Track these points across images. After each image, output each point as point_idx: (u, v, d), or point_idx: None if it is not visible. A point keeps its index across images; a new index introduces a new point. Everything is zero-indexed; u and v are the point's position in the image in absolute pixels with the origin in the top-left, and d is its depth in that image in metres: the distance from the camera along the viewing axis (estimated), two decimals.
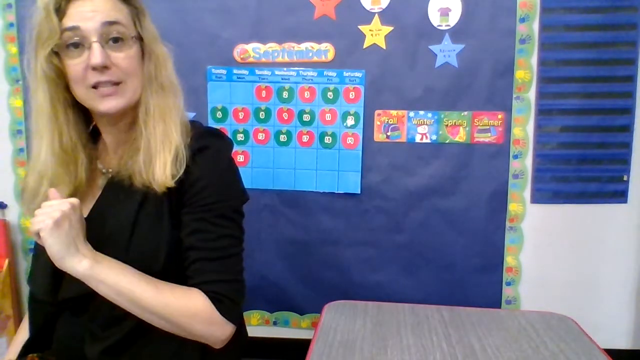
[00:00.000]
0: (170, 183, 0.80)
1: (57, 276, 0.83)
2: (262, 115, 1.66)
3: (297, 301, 1.73)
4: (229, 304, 0.82)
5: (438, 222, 1.64)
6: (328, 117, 1.64)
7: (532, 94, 1.57)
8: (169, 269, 0.83)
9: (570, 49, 1.55)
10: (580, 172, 1.59)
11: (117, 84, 0.81)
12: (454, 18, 1.56)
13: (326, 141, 1.65)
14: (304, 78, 1.63)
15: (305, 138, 1.65)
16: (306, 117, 1.65)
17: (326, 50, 1.61)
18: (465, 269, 1.65)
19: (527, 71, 1.56)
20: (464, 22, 1.55)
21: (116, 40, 0.80)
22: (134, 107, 0.85)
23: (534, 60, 1.56)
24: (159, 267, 0.82)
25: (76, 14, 0.78)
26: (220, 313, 0.81)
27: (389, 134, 1.63)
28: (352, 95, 1.62)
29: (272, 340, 1.75)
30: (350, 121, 1.63)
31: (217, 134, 0.91)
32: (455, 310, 1.56)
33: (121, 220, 0.83)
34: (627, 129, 1.57)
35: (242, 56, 1.64)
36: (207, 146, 0.84)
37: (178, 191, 0.82)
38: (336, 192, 1.66)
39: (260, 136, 1.67)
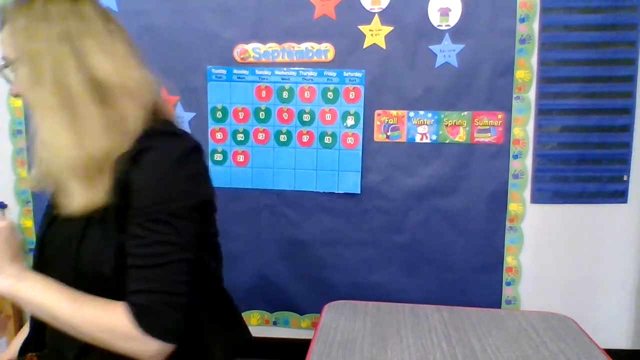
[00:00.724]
0: (92, 207, 0.77)
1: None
2: (262, 115, 1.66)
3: (297, 301, 1.73)
4: (153, 317, 0.75)
5: (438, 222, 1.64)
6: (328, 117, 1.64)
7: (532, 94, 1.58)
8: (121, 275, 0.79)
9: (570, 49, 1.55)
10: (580, 172, 1.59)
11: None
12: (454, 18, 1.56)
13: (326, 141, 1.65)
14: (304, 78, 1.63)
15: (305, 138, 1.66)
16: (306, 117, 1.65)
17: (326, 50, 1.61)
18: (465, 269, 1.65)
19: (527, 71, 1.56)
20: (464, 22, 1.55)
21: (5, 72, 0.81)
22: None
23: (534, 60, 1.56)
24: (109, 274, 0.79)
25: None
26: (141, 327, 0.75)
27: (389, 134, 1.63)
28: (352, 95, 1.62)
29: (272, 340, 1.75)
30: (350, 121, 1.63)
31: (168, 133, 0.84)
32: (455, 310, 1.56)
33: (72, 228, 0.81)
34: (627, 129, 1.57)
35: (242, 56, 1.64)
36: (150, 147, 0.78)
37: (124, 194, 0.78)
38: (336, 192, 1.66)
39: (260, 136, 1.67)
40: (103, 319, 0.76)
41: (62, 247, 0.83)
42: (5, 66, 0.80)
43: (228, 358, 0.94)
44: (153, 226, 0.77)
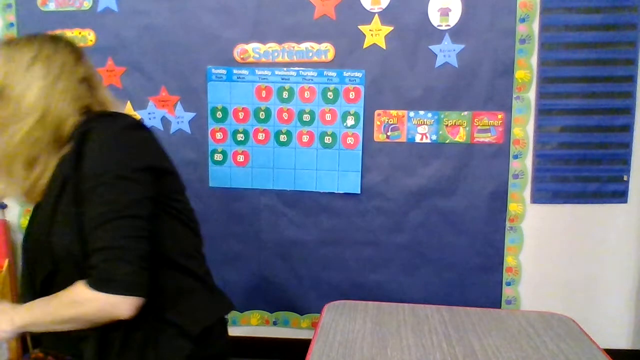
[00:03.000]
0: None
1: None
2: (262, 115, 1.66)
3: (297, 301, 1.73)
4: (104, 274, 0.80)
5: (438, 222, 1.64)
6: (328, 117, 1.64)
7: (532, 94, 1.58)
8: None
9: (570, 49, 1.55)
10: (580, 172, 1.59)
11: None
12: (454, 18, 1.56)
13: (326, 141, 1.65)
14: (304, 78, 1.63)
15: (305, 138, 1.65)
16: (306, 117, 1.65)
17: (326, 50, 1.61)
18: (465, 269, 1.65)
19: (527, 71, 1.56)
20: (464, 22, 1.55)
21: None
22: None
23: (534, 60, 1.56)
24: (79, 253, 0.84)
25: None
26: (96, 286, 0.80)
27: (389, 134, 1.63)
28: (352, 95, 1.62)
29: (272, 340, 1.75)
30: (350, 121, 1.63)
31: (105, 115, 0.92)
32: (455, 310, 1.56)
33: (44, 215, 0.88)
34: (627, 129, 1.57)
35: (242, 56, 1.64)
36: (90, 128, 0.87)
37: (76, 176, 0.85)
38: (336, 192, 1.66)
39: (260, 136, 1.67)
40: (66, 297, 0.82)
41: (37, 238, 0.88)
42: None
43: (200, 328, 0.93)
44: (99, 190, 0.83)
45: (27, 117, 0.88)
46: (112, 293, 0.80)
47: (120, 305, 0.80)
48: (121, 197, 0.83)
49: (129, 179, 0.85)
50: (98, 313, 0.81)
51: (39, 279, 0.89)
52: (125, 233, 0.82)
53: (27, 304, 0.87)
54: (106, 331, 0.85)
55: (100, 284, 0.80)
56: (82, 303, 0.81)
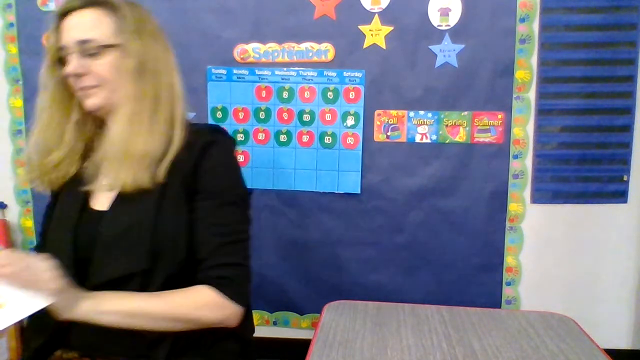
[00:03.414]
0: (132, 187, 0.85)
1: (81, 267, 0.88)
2: (262, 115, 1.66)
3: (297, 301, 1.73)
4: (236, 286, 0.88)
5: (438, 222, 1.64)
6: (328, 117, 1.64)
7: (532, 94, 1.58)
8: (191, 255, 0.88)
9: (570, 49, 1.55)
10: (580, 172, 1.59)
11: (96, 86, 0.88)
12: (454, 18, 1.56)
13: (326, 141, 1.65)
14: (304, 78, 1.63)
15: (305, 138, 1.66)
16: (306, 117, 1.65)
17: (326, 50, 1.61)
18: (465, 269, 1.65)
19: (527, 71, 1.56)
20: (464, 22, 1.55)
21: (90, 52, 0.88)
22: None
23: (534, 60, 1.56)
24: (183, 254, 0.87)
25: (64, 32, 0.88)
26: (228, 295, 0.87)
27: (389, 134, 1.63)
28: (352, 95, 1.62)
29: (272, 340, 1.75)
30: (350, 121, 1.63)
31: (223, 131, 0.98)
32: (455, 310, 1.56)
33: (143, 210, 0.87)
34: (627, 129, 1.57)
35: (242, 56, 1.64)
36: (213, 141, 0.91)
37: (193, 179, 0.89)
38: (336, 192, 1.66)
39: (260, 136, 1.67)
40: (193, 298, 0.86)
41: (130, 230, 0.87)
42: (104, 47, 0.87)
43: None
44: (228, 208, 0.90)
45: (179, 100, 0.92)
46: (242, 305, 0.89)
47: (239, 316, 0.90)
48: (245, 219, 0.94)
49: (246, 202, 0.96)
50: (223, 319, 0.88)
51: (100, 277, 0.86)
52: (247, 254, 0.93)
53: (105, 292, 0.84)
54: (179, 334, 0.88)
55: (237, 296, 0.88)
56: (212, 308, 0.86)
